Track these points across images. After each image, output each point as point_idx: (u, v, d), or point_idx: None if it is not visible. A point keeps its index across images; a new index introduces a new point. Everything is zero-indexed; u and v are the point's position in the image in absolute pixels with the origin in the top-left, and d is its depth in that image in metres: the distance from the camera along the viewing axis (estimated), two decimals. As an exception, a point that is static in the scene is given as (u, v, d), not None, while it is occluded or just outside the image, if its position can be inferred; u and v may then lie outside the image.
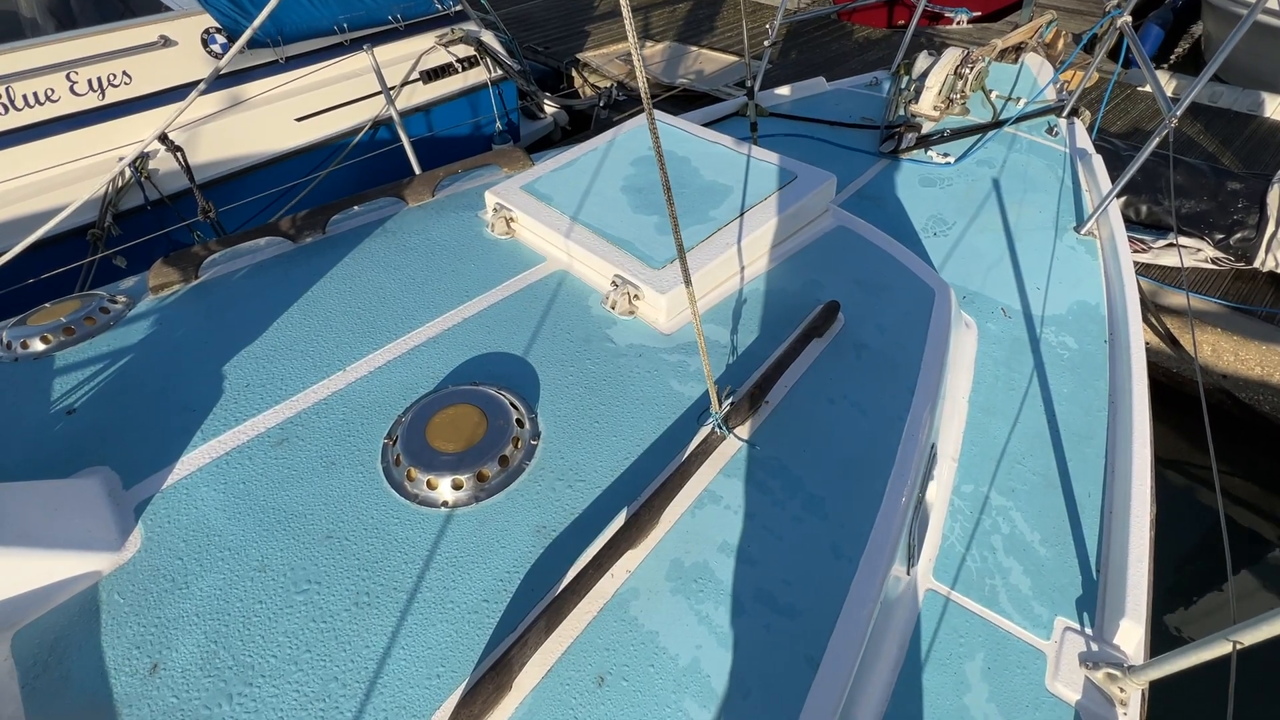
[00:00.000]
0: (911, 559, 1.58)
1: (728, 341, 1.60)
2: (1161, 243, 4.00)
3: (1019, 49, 3.81)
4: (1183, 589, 3.66)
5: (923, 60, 3.56)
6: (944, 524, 1.86)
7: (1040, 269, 2.64)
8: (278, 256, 1.92)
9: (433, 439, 1.28)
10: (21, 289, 3.20)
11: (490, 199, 1.98)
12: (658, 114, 2.33)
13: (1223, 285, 4.02)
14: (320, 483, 1.25)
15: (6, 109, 3.55)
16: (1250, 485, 4.05)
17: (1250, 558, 3.92)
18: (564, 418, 1.39)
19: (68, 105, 3.73)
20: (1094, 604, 1.74)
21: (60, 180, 3.69)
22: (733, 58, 7.20)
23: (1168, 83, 6.34)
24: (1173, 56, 8.21)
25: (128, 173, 3.77)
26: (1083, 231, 2.79)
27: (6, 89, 3.51)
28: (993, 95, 3.56)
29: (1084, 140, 3.27)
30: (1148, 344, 4.36)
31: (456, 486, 1.23)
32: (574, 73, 7.69)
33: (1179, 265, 4.09)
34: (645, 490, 1.25)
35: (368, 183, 3.19)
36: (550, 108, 6.58)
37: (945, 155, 3.16)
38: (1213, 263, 4.02)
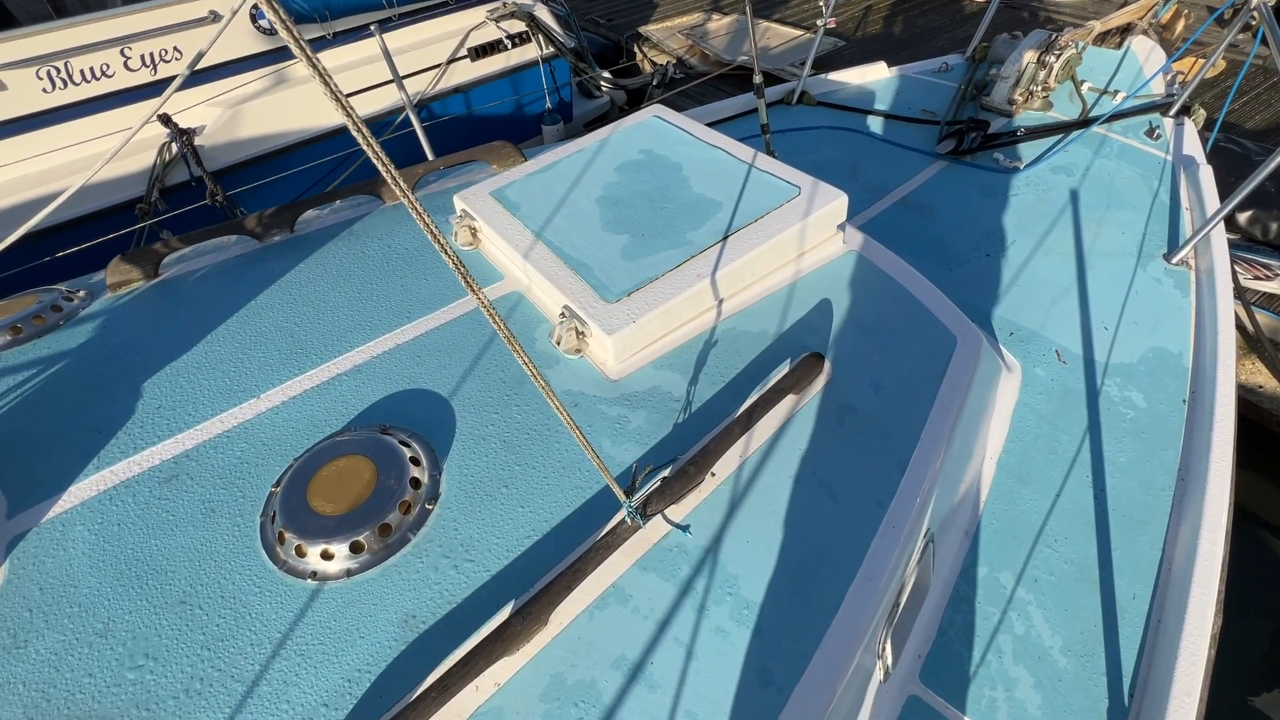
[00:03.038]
0: (888, 667, 1.33)
1: (683, 395, 1.37)
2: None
3: (1126, 30, 3.22)
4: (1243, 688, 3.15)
5: (1003, 44, 3.07)
6: (943, 614, 1.58)
7: (1113, 305, 2.21)
8: (241, 257, 1.84)
9: (314, 496, 1.14)
10: (70, 256, 3.35)
11: (457, 204, 1.81)
12: (661, 111, 2.07)
13: (1366, 324, 3.33)
14: (194, 534, 1.15)
15: (66, 83, 3.70)
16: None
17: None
18: (471, 478, 1.22)
19: (122, 80, 3.86)
20: None
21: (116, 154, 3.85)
22: (800, 32, 6.67)
23: (1327, 69, 5.33)
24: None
25: (174, 148, 3.88)
26: (1174, 260, 2.32)
27: (65, 64, 3.65)
28: (1084, 87, 3.03)
29: (1193, 145, 2.72)
30: (1261, 387, 3.73)
31: (326, 556, 1.09)
32: (635, 47, 7.38)
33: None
34: (540, 580, 1.07)
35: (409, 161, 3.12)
36: (608, 86, 6.33)
37: (1015, 160, 2.72)
38: (1356, 296, 3.33)
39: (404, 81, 4.96)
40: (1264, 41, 2.15)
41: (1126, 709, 1.46)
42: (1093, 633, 1.55)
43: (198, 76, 4.08)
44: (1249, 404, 3.62)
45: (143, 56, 3.89)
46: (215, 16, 4.06)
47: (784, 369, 1.37)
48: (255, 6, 4.24)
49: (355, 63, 4.67)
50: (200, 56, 1.66)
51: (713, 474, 1.23)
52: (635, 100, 6.71)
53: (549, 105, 5.77)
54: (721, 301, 1.54)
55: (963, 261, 2.40)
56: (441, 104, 5.08)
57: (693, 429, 1.30)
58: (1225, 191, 3.58)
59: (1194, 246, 2.29)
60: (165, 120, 3.75)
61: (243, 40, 4.22)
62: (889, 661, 1.33)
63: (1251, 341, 3.36)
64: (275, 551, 1.11)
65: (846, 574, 1.16)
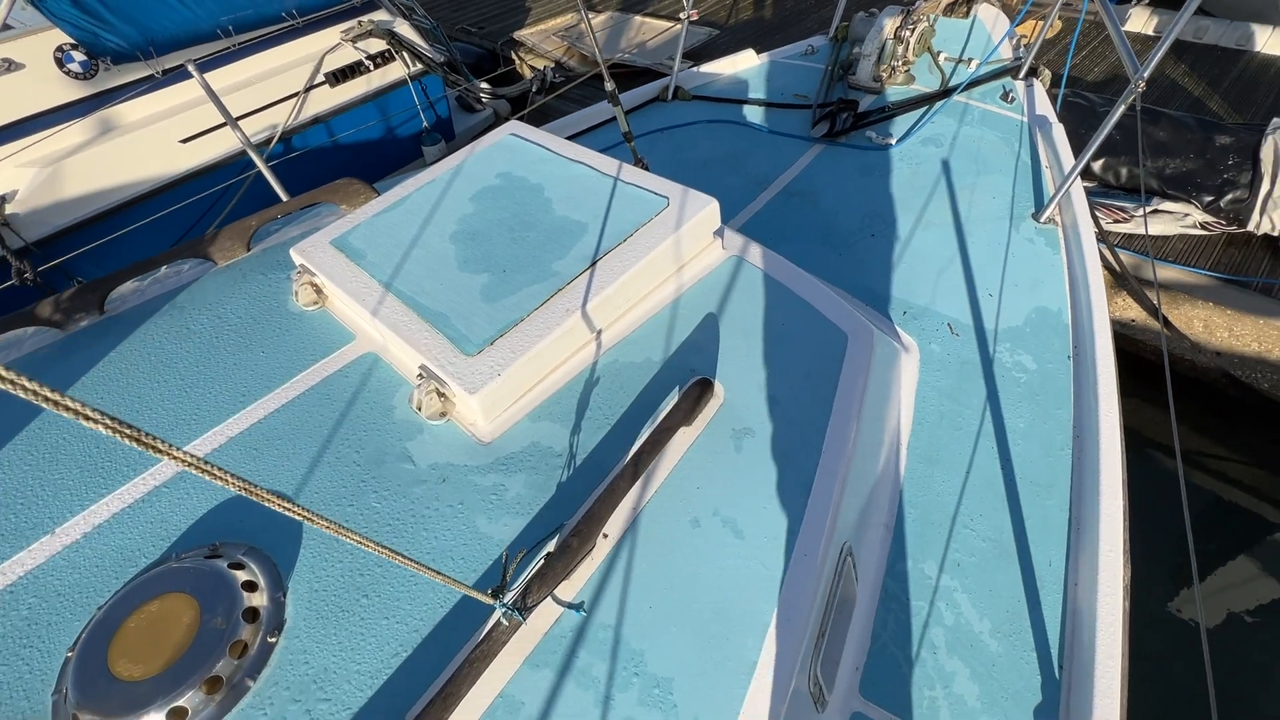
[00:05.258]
0: (820, 700, 1.25)
1: (565, 449, 1.23)
2: (1146, 209, 3.60)
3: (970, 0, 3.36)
4: (1157, 578, 3.40)
5: (860, 22, 3.11)
6: (875, 619, 1.53)
7: (994, 270, 2.26)
8: (35, 354, 1.55)
9: (117, 658, 0.93)
10: None
11: (295, 258, 1.60)
12: (517, 128, 1.92)
13: (1214, 253, 3.63)
14: None
15: None
16: (1254, 470, 3.73)
17: (1248, 543, 3.63)
18: (323, 594, 1.04)
19: (-99, 148, 3.30)
20: (1056, 712, 1.42)
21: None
22: (673, 24, 6.66)
23: (1147, 21, 5.83)
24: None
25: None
26: (1042, 219, 2.40)
27: None
28: (941, 58, 3.12)
29: (1044, 105, 2.85)
30: (1133, 321, 4.01)
31: None
32: (512, 54, 7.15)
33: (1165, 234, 3.69)
34: (413, 709, 0.91)
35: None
36: (487, 96, 6.08)
37: (886, 136, 2.75)
38: (1202, 228, 3.62)
39: (261, 114, 4.59)
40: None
41: (1058, 681, 1.45)
42: (1018, 609, 1.55)
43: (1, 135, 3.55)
44: (1125, 337, 3.87)
45: (-76, 118, 3.34)
46: (10, 65, 3.55)
47: (671, 401, 1.26)
48: (61, 48, 3.74)
49: (200, 100, 4.22)
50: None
51: (605, 535, 1.11)
52: (519, 109, 6.50)
53: (425, 125, 5.48)
54: (599, 333, 1.42)
55: (850, 244, 2.39)
56: (303, 137, 4.70)
57: (579, 486, 1.17)
58: (1079, 144, 3.81)
59: (1058, 204, 2.37)
60: None
61: (50, 89, 3.71)
62: (825, 691, 1.25)
63: (1119, 280, 3.59)
64: None
65: (761, 621, 1.06)
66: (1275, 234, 3.49)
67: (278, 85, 4.56)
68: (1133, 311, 3.79)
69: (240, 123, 4.45)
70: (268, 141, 4.58)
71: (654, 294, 1.51)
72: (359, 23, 4.89)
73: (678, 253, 1.52)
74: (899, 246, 2.36)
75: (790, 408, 1.36)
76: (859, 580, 1.46)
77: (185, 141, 4.09)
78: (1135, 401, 4.52)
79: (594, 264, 1.43)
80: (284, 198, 2.85)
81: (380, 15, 5.09)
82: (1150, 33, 5.91)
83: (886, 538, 1.65)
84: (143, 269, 1.73)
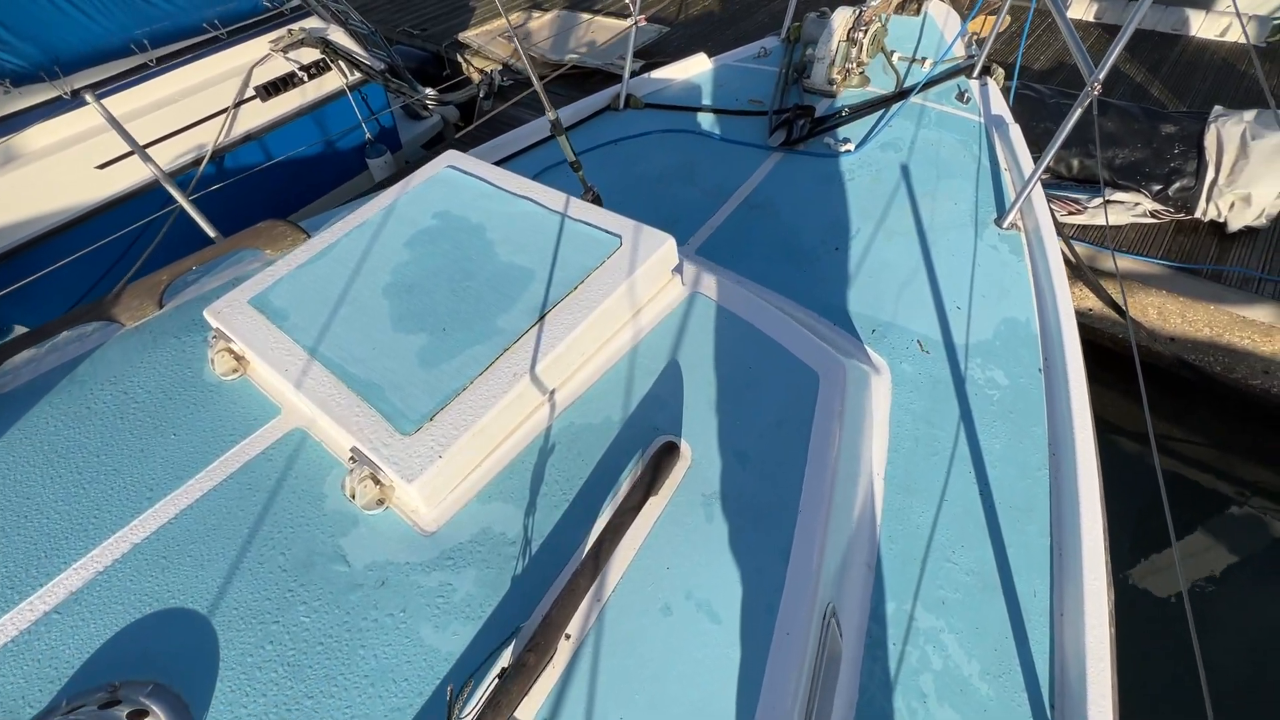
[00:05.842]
0: None
1: (519, 533, 1.12)
2: (1097, 201, 3.63)
3: (921, -3, 3.31)
4: (1135, 555, 3.49)
5: (812, 24, 3.03)
6: (860, 670, 1.45)
7: (960, 281, 2.21)
8: None
9: None
10: None
11: (210, 321, 1.43)
12: (455, 159, 1.78)
13: (1164, 240, 3.69)
14: None
15: None
16: (1210, 449, 3.82)
17: (1207, 516, 3.73)
18: None
19: None
20: None
21: None
22: (625, 23, 6.50)
23: (1088, 7, 5.93)
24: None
25: None
26: (1005, 225, 2.37)
27: None
28: (895, 58, 3.06)
29: (999, 104, 2.82)
30: (1091, 310, 4.07)
31: None
32: (458, 57, 6.90)
33: (1117, 224, 3.74)
34: None
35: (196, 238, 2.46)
36: (433, 103, 5.84)
37: (845, 142, 2.68)
38: (1152, 215, 3.68)
39: (187, 133, 4.28)
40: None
41: None
42: (1005, 646, 1.50)
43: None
44: (1085, 326, 3.92)
45: None
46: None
47: (634, 472, 1.15)
48: (-55, 73, 3.41)
49: (120, 119, 3.90)
50: None
51: (567, 636, 1.00)
52: (468, 115, 6.27)
53: (369, 136, 5.23)
54: (552, 394, 1.30)
55: (814, 259, 2.32)
56: (235, 156, 4.42)
57: (536, 580, 1.05)
58: (1031, 137, 3.82)
59: (1019, 209, 2.34)
60: None
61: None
62: None
63: (1076, 271, 3.62)
64: None
65: (745, 714, 0.97)
66: (1221, 220, 3.56)
67: (203, 102, 4.27)
68: (1090, 301, 3.84)
69: (165, 143, 4.19)
70: (197, 162, 4.30)
71: (611, 343, 1.40)
72: (289, 31, 4.61)
73: (633, 297, 1.41)
74: (864, 259, 2.29)
75: (762, 462, 1.27)
76: (843, 635, 1.38)
77: (103, 167, 3.79)
78: (1095, 386, 4.64)
79: (542, 318, 1.30)
80: (210, 233, 2.63)
81: (312, 22, 4.81)
82: (1091, 19, 6.01)
83: (869, 577, 1.58)
84: (38, 337, 1.54)
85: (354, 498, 1.13)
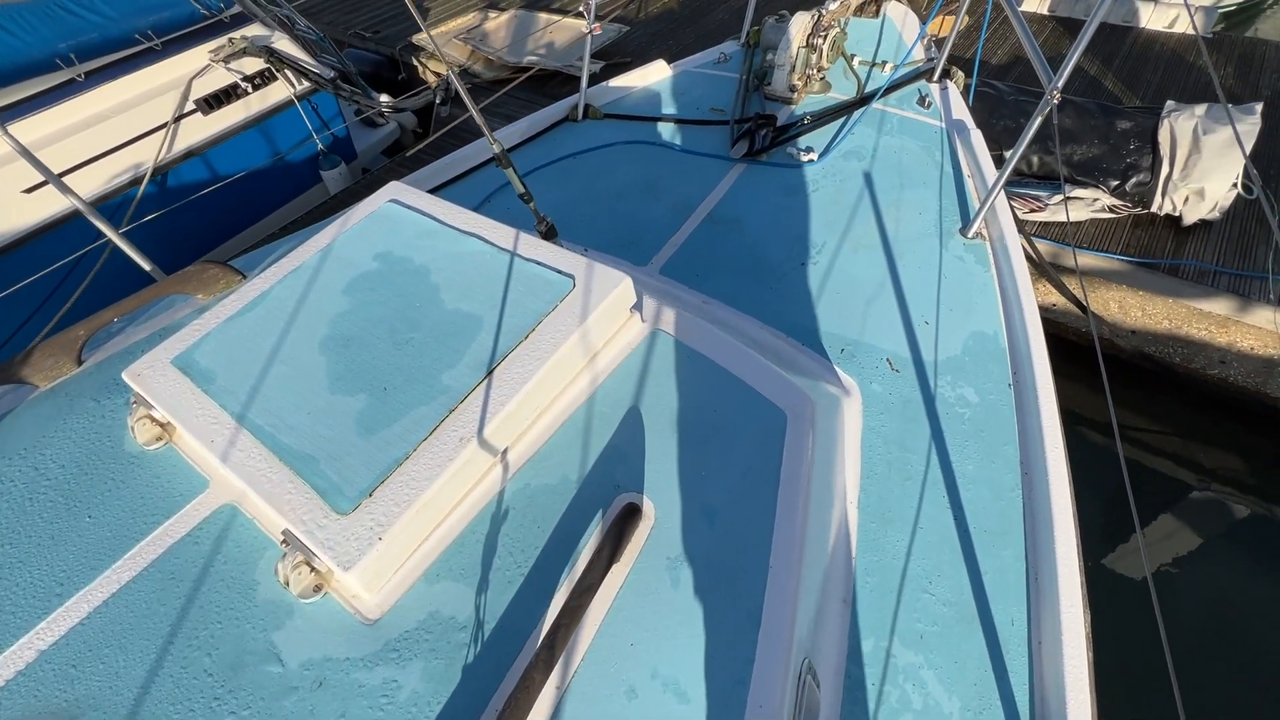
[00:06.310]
0: None
1: (470, 616, 1.04)
2: (1058, 198, 3.66)
3: None
4: (1103, 543, 3.58)
5: (772, 29, 2.97)
6: (840, 714, 1.41)
7: (928, 294, 2.18)
8: None
9: None
10: None
11: (129, 384, 1.31)
12: (398, 193, 1.67)
13: (1124, 235, 3.74)
14: None
15: None
16: (1172, 437, 3.91)
17: (1171, 501, 3.83)
18: None
19: None
20: None
21: None
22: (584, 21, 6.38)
23: (1041, 0, 5.99)
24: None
25: None
26: (970, 234, 2.35)
27: None
28: (856, 62, 3.03)
29: (960, 109, 2.80)
30: (1055, 305, 4.12)
31: None
32: (413, 60, 6.70)
33: (1078, 220, 3.78)
34: None
35: (123, 281, 2.21)
36: (388, 110, 5.65)
37: (809, 152, 2.63)
38: (1111, 211, 3.72)
39: (123, 151, 4.05)
40: None
41: None
42: (985, 680, 1.47)
43: None
44: (1050, 321, 3.97)
45: None
46: None
47: (595, 535, 1.08)
48: None
49: (52, 137, 3.67)
50: None
51: (525, 731, 0.92)
52: (426, 121, 6.08)
53: (321, 147, 5.04)
54: (504, 454, 1.22)
55: (780, 276, 2.27)
56: (177, 173, 4.21)
57: (489, 668, 0.98)
58: (991, 134, 3.82)
59: (983, 218, 2.32)
60: None
61: None
62: None
63: (1038, 269, 3.65)
64: None
65: None
66: (1177, 214, 3.62)
67: (139, 117, 4.05)
68: (1054, 296, 3.88)
69: (99, 162, 3.96)
70: (136, 182, 4.08)
71: (566, 393, 1.32)
72: (229, 40, 4.40)
73: (589, 343, 1.33)
74: (830, 274, 2.25)
75: (730, 516, 1.21)
76: (821, 684, 1.34)
77: (30, 191, 3.56)
78: (1060, 380, 4.73)
79: (490, 373, 1.22)
80: (145, 266, 2.47)
81: (254, 30, 4.60)
82: (1045, 12, 6.08)
83: (845, 613, 1.53)
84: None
85: (288, 585, 1.04)
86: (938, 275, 2.22)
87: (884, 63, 3.01)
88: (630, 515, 1.11)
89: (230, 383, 1.26)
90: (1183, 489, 3.90)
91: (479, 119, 1.59)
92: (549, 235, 1.75)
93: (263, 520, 1.15)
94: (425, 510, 1.07)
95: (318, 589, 1.05)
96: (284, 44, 4.66)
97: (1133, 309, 3.61)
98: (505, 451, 1.22)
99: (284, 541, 1.05)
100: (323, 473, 1.10)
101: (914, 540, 1.65)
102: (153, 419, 1.28)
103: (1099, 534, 3.69)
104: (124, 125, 3.95)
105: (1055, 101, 2.01)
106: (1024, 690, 1.45)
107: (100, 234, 3.47)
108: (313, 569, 1.03)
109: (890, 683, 1.44)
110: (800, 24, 2.79)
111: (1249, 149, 3.39)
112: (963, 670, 1.47)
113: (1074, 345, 4.06)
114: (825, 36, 2.77)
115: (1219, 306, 3.36)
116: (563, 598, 1.01)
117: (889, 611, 1.53)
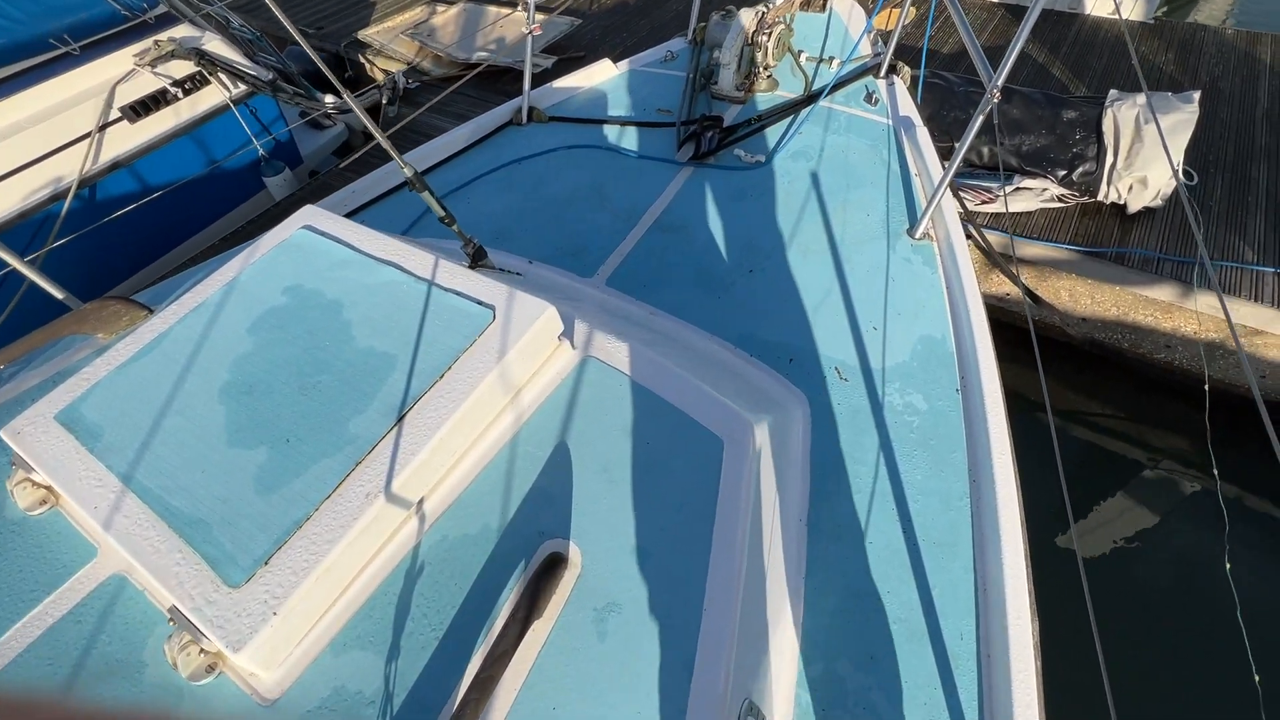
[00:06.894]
0: None
1: (380, 688, 0.97)
2: (1009, 189, 3.69)
3: (824, -7, 3.22)
4: (1036, 522, 3.67)
5: (716, 27, 2.91)
6: None
7: (876, 299, 2.16)
8: None
9: None
10: None
11: (9, 443, 1.20)
12: (313, 218, 1.57)
13: (1071, 224, 3.78)
14: None
15: None
16: (1121, 419, 3.99)
17: (1121, 483, 3.92)
18: None
19: None
20: None
21: None
22: (540, 15, 6.22)
23: (991, -17, 6.02)
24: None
25: None
26: (917, 235, 2.33)
27: None
28: (802, 58, 2.98)
29: (907, 105, 2.78)
30: (1007, 295, 4.17)
31: None
32: (359, 57, 6.46)
33: (1027, 210, 3.81)
34: None
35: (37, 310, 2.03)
36: (333, 110, 5.42)
37: (756, 154, 2.58)
38: (1059, 200, 3.76)
39: (43, 164, 3.81)
40: None
41: None
42: (935, 699, 1.45)
43: None
44: (1002, 309, 4.01)
45: None
46: None
47: (510, 597, 1.02)
48: None
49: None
50: None
51: (437, 815, 0.86)
52: (376, 119, 5.87)
53: (263, 153, 4.82)
54: (420, 504, 1.14)
55: (728, 284, 2.22)
56: (105, 186, 3.98)
57: None
58: (941, 126, 3.82)
59: (930, 218, 2.30)
60: None
61: None
62: None
63: (990, 259, 3.67)
64: None
65: None
66: (1121, 202, 3.68)
67: (59, 127, 3.82)
68: (1006, 286, 3.92)
69: (16, 177, 3.72)
70: (58, 197, 3.84)
71: (487, 434, 1.25)
72: (155, 43, 4.17)
73: (511, 380, 1.26)
74: (779, 281, 2.21)
75: (663, 557, 1.16)
76: (774, 713, 1.30)
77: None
78: (1015, 367, 4.82)
79: (401, 419, 1.14)
80: (58, 295, 2.30)
81: (183, 31, 4.36)
82: (994, -1, 6.12)
83: (795, 639, 1.51)
84: None
85: (176, 667, 0.95)
86: (885, 279, 2.20)
87: (831, 59, 2.97)
88: (552, 567, 1.05)
89: (119, 439, 1.16)
90: (1132, 467, 4.00)
91: (386, 145, 1.49)
92: (478, 257, 1.67)
93: (153, 592, 1.06)
94: (327, 576, 0.99)
95: (210, 669, 0.96)
96: (216, 45, 4.43)
97: (1082, 297, 3.66)
98: (421, 502, 1.15)
99: (171, 620, 0.96)
100: (215, 539, 1.01)
101: (863, 556, 1.63)
102: (33, 482, 1.18)
103: (1053, 513, 3.75)
104: (41, 137, 3.71)
105: (995, 100, 1.99)
106: (973, 707, 1.44)
107: (24, 249, 3.27)
108: (202, 650, 0.95)
109: (840, 707, 1.41)
110: (744, 20, 2.73)
111: (1188, 136, 3.45)
112: (914, 692, 1.46)
113: (1027, 333, 4.12)
114: (770, 33, 2.72)
115: (1162, 293, 3.43)
116: (478, 664, 0.95)
117: (838, 632, 1.51)
